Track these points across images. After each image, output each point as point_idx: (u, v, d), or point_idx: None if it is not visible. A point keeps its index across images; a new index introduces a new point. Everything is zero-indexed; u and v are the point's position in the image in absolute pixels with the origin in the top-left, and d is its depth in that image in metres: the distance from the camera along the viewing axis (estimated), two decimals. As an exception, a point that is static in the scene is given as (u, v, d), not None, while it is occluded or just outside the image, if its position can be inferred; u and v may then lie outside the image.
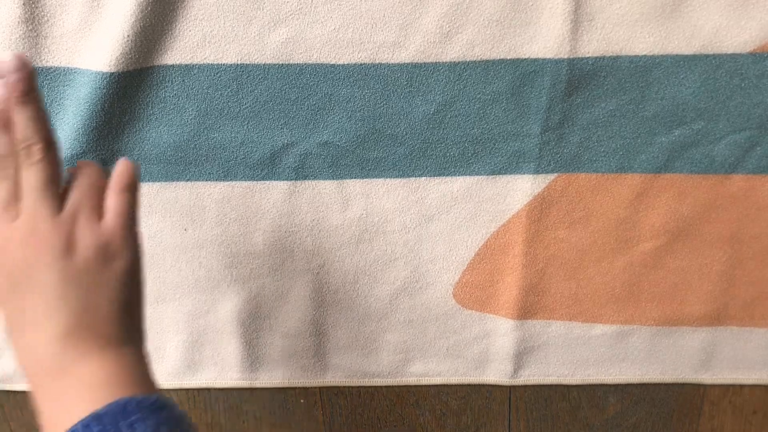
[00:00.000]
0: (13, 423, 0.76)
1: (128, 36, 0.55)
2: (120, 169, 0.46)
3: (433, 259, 0.66)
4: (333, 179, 0.63)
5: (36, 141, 0.42)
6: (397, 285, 0.67)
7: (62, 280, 0.42)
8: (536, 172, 0.62)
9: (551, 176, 0.63)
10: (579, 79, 0.58)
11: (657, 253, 0.66)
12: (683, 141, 0.61)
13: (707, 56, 0.58)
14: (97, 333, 0.42)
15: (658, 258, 0.66)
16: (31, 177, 0.42)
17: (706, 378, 0.72)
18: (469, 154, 0.62)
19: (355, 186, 0.63)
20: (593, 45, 0.57)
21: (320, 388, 0.74)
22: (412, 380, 0.73)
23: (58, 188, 0.44)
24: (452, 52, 0.58)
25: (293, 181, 0.63)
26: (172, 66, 0.58)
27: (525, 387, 0.74)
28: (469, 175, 0.63)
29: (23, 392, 0.73)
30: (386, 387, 0.74)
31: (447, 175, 0.63)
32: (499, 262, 0.66)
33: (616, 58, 0.58)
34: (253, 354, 0.71)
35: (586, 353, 0.71)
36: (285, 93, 0.59)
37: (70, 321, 0.42)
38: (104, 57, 0.56)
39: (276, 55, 0.58)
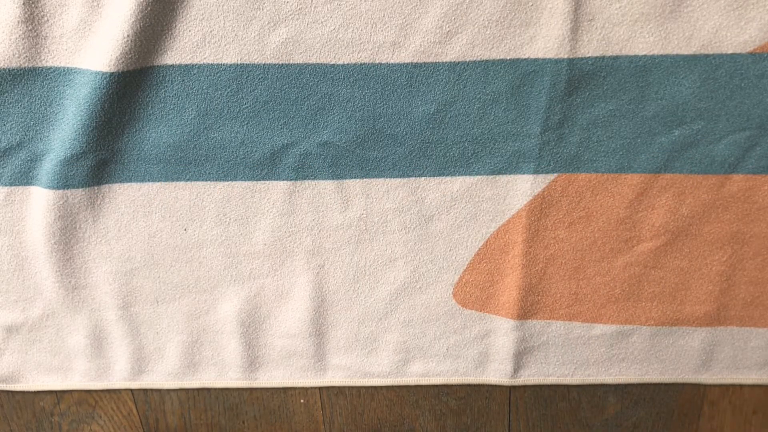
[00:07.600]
0: (13, 423, 0.76)
1: (128, 36, 0.55)
2: None
3: (433, 259, 0.66)
4: (333, 179, 0.63)
5: None
6: (397, 285, 0.67)
7: None
8: (536, 172, 0.62)
9: (551, 176, 0.63)
10: (579, 79, 0.58)
11: (657, 253, 0.66)
12: (683, 141, 0.61)
13: (707, 56, 0.58)
14: None
15: (658, 258, 0.66)
16: None
17: (706, 378, 0.72)
18: (469, 154, 0.62)
19: (355, 186, 0.63)
20: (593, 45, 0.57)
21: (320, 388, 0.74)
22: (412, 380, 0.73)
23: None
24: (452, 52, 0.58)
25: (293, 181, 0.63)
26: (172, 66, 0.58)
27: (525, 387, 0.74)
28: (469, 175, 0.63)
29: (23, 392, 0.73)
30: (386, 387, 0.74)
31: (447, 175, 0.63)
32: (499, 262, 0.66)
33: (616, 58, 0.58)
34: (252, 354, 0.71)
35: (586, 353, 0.71)
36: (285, 93, 0.59)
37: None
38: (104, 57, 0.56)
39: (276, 55, 0.58)
